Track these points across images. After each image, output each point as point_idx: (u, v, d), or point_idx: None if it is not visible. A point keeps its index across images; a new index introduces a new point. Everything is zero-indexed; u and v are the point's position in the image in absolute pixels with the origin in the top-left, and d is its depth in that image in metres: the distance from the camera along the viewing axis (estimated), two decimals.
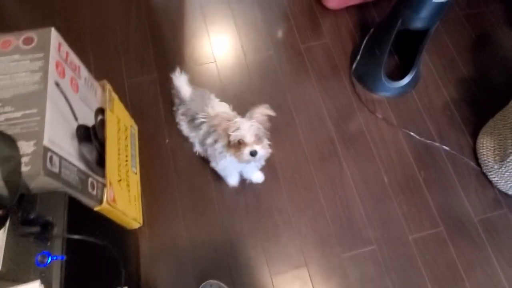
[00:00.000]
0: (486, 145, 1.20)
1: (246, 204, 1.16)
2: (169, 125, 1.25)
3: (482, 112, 1.30)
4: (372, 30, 1.34)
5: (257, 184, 1.18)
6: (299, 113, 1.29)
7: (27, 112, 0.71)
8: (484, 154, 1.21)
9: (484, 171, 1.22)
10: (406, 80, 1.31)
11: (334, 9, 1.47)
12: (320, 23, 1.46)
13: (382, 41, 1.24)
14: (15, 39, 0.78)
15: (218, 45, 1.41)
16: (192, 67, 1.36)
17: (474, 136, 1.27)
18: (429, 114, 1.31)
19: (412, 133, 1.27)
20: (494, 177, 1.19)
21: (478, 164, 1.23)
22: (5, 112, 0.71)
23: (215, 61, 1.37)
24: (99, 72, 1.32)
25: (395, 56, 1.41)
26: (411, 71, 1.29)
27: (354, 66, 1.36)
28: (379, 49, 1.27)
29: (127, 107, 1.16)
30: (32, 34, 0.79)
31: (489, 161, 1.18)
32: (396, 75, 1.33)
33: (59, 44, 0.82)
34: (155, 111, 1.28)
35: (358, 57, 1.35)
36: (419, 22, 1.10)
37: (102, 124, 0.95)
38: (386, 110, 1.31)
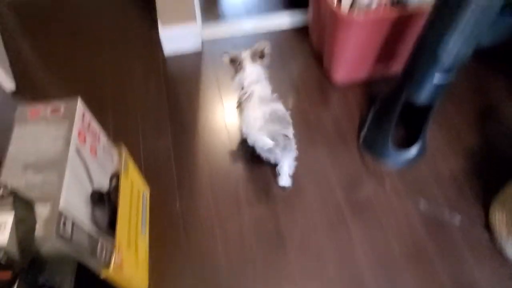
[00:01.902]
0: (498, 218, 1.18)
1: (254, 271, 1.14)
2: (181, 189, 1.28)
3: (492, 184, 1.30)
4: (378, 102, 1.40)
5: (266, 252, 1.16)
6: (308, 181, 1.31)
7: (46, 177, 0.75)
8: (497, 227, 1.18)
9: (498, 244, 1.18)
10: (413, 150, 1.34)
11: (342, 83, 1.56)
12: (329, 95, 1.54)
13: (389, 114, 1.29)
14: (44, 109, 0.85)
15: (230, 114, 1.48)
16: (204, 137, 1.42)
17: (486, 207, 1.26)
18: (438, 184, 1.31)
19: (421, 204, 1.27)
20: (509, 251, 1.15)
21: (492, 237, 1.21)
22: (27, 176, 0.75)
23: (227, 131, 1.43)
24: (117, 135, 1.40)
25: (402, 127, 1.45)
26: (418, 141, 1.33)
27: (362, 136, 1.40)
28: (386, 121, 1.32)
29: (140, 169, 1.21)
30: (60, 104, 0.86)
31: (502, 235, 1.16)
32: (404, 146, 1.36)
33: (83, 113, 0.88)
34: (168, 175, 1.32)
35: (366, 128, 1.40)
36: (423, 98, 1.16)
37: (116, 189, 0.98)
38: (395, 180, 1.32)
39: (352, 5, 1.45)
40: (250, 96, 1.16)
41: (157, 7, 1.53)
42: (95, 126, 0.94)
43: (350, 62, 1.47)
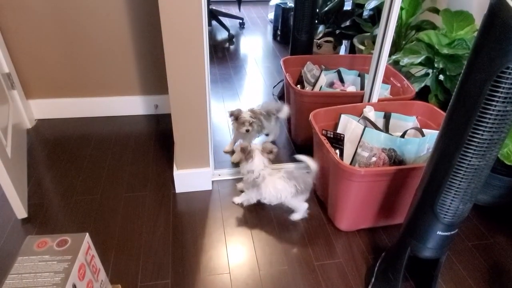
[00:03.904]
0: None
1: None
2: None
3: None
4: (383, 254, 1.39)
5: None
6: None
7: None
8: None
9: None
10: None
11: (346, 230, 1.57)
12: (333, 243, 1.53)
13: (395, 266, 1.26)
14: (51, 241, 0.87)
15: (234, 256, 1.46)
16: (206, 276, 1.38)
17: None
18: None
19: None
20: None
21: None
22: None
23: (229, 272, 1.40)
24: (115, 273, 1.37)
25: (410, 281, 1.40)
26: None
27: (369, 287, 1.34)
28: (392, 273, 1.28)
29: None
30: (67, 237, 0.89)
31: None
32: None
33: (88, 248, 0.90)
34: None
35: (373, 280, 1.35)
36: (427, 251, 1.15)
37: None
38: None
39: (352, 160, 1.58)
40: (262, 176, 1.50)
41: (175, 155, 1.67)
42: (97, 261, 0.94)
43: (353, 212, 1.51)
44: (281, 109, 1.97)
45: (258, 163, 1.51)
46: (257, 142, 1.56)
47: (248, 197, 1.62)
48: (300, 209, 1.59)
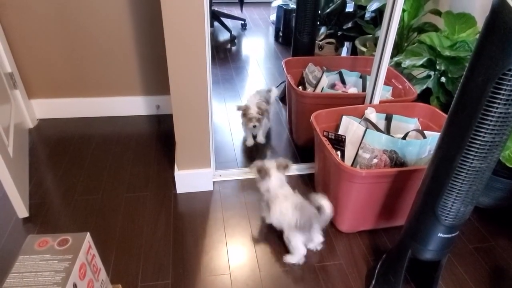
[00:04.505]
0: None
1: None
2: None
3: None
4: (384, 256, 1.38)
5: None
6: None
7: None
8: None
9: None
10: None
11: (347, 232, 1.57)
12: (334, 244, 1.53)
13: (395, 268, 1.26)
14: (52, 240, 0.87)
15: (234, 257, 1.46)
16: (206, 277, 1.38)
17: None
18: None
19: None
20: None
21: None
22: None
23: (230, 273, 1.40)
24: (116, 272, 1.37)
25: (411, 283, 1.40)
26: None
27: None
28: (393, 275, 1.28)
29: None
30: (68, 236, 0.89)
31: None
32: None
33: (89, 247, 0.90)
34: None
35: (373, 282, 1.35)
36: (428, 253, 1.15)
37: None
38: None
39: (353, 162, 1.58)
40: (275, 195, 1.43)
41: (176, 155, 1.67)
42: (98, 260, 0.94)
43: (354, 214, 1.51)
44: (271, 90, 2.16)
45: (276, 180, 1.44)
46: (270, 159, 1.49)
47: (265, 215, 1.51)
48: (295, 251, 1.41)
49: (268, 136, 2.18)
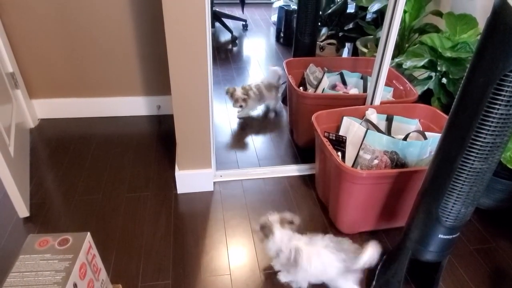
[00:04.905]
0: None
1: None
2: None
3: None
4: (384, 257, 1.38)
5: None
6: None
7: None
8: None
9: None
10: None
11: (347, 233, 1.57)
12: None
13: (396, 270, 1.26)
14: (53, 240, 0.88)
15: (235, 257, 1.46)
16: (206, 277, 1.37)
17: None
18: None
19: None
20: None
21: None
22: None
23: (230, 273, 1.39)
24: (116, 272, 1.37)
25: (411, 284, 1.39)
26: None
27: None
28: (393, 276, 1.28)
29: None
30: (69, 236, 0.89)
31: None
32: None
33: (89, 247, 0.90)
34: None
35: (374, 283, 1.35)
36: (428, 255, 1.15)
37: None
38: None
39: (354, 162, 1.58)
40: (296, 251, 1.20)
41: (177, 155, 1.67)
42: (98, 260, 0.94)
43: (355, 215, 1.51)
44: (275, 71, 2.35)
45: (280, 238, 1.24)
46: (275, 213, 1.30)
47: (295, 279, 1.30)
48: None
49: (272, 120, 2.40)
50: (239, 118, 2.36)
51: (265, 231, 1.26)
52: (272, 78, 2.35)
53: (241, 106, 2.25)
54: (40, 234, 0.90)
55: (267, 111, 2.44)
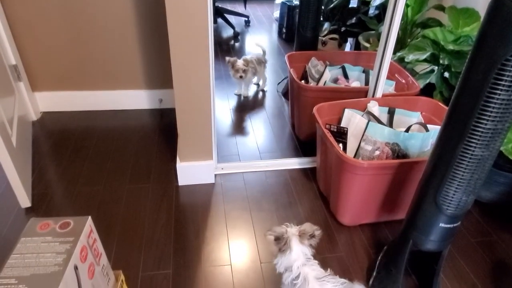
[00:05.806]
0: None
1: None
2: None
3: None
4: (385, 247, 1.38)
5: None
6: None
7: None
8: None
9: None
10: None
11: (348, 225, 1.57)
12: (335, 237, 1.53)
13: (397, 260, 1.26)
14: (54, 223, 0.88)
15: (235, 248, 1.46)
16: (207, 268, 1.38)
17: None
18: None
19: None
20: None
21: None
22: None
23: (231, 264, 1.40)
24: (117, 260, 1.37)
25: (412, 275, 1.39)
26: None
27: (370, 282, 1.33)
28: (394, 267, 1.28)
29: None
30: (70, 220, 0.89)
31: None
32: None
33: (90, 231, 0.90)
34: None
35: (374, 273, 1.34)
36: (429, 244, 1.14)
37: None
38: None
39: (356, 154, 1.58)
40: (303, 278, 1.04)
41: (179, 147, 1.68)
42: (99, 245, 0.95)
43: (356, 207, 1.50)
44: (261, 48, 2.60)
45: (297, 255, 1.06)
46: (294, 225, 1.15)
47: None
48: None
49: (263, 99, 2.57)
50: (236, 94, 2.54)
51: (281, 244, 1.08)
52: (258, 54, 2.58)
53: (241, 77, 2.39)
54: (41, 218, 0.90)
55: (257, 92, 2.62)
